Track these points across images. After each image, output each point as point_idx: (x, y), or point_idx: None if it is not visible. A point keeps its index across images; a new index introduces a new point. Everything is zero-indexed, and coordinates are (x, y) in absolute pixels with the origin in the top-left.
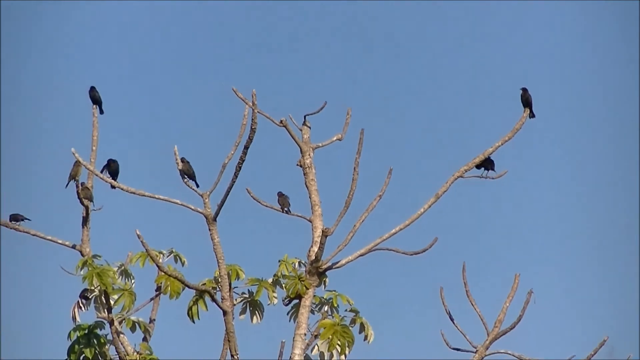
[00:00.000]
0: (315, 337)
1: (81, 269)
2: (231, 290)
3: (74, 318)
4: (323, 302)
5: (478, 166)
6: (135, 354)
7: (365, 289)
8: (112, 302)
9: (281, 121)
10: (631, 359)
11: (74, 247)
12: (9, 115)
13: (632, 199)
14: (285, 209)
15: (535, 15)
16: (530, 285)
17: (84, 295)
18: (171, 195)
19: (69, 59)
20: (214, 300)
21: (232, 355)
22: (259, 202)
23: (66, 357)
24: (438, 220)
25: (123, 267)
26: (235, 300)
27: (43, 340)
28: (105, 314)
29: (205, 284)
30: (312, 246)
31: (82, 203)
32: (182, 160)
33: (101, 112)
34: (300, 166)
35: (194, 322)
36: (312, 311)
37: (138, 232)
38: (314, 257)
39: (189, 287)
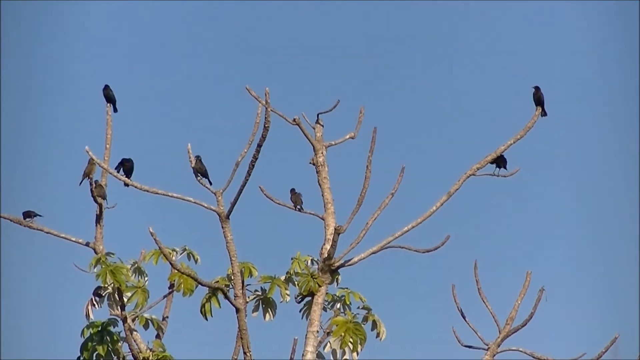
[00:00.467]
0: (328, 334)
1: (95, 267)
2: (244, 287)
3: (87, 315)
4: (335, 300)
5: (490, 164)
6: (148, 351)
7: (378, 287)
8: (125, 300)
9: (294, 119)
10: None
11: (87, 244)
12: (23, 114)
13: None
14: (298, 206)
15: (554, 12)
16: (542, 282)
17: (97, 292)
18: (184, 193)
19: (85, 57)
20: (226, 297)
21: (244, 353)
22: (272, 200)
23: (79, 355)
24: (450, 218)
25: (136, 265)
26: (248, 297)
27: (56, 338)
28: (119, 312)
29: (218, 281)
30: (324, 244)
31: (96, 201)
32: (196, 158)
33: (115, 110)
34: (313, 164)
35: (206, 319)
36: (324, 308)
37: (151, 230)
38: (326, 255)
39: (202, 284)
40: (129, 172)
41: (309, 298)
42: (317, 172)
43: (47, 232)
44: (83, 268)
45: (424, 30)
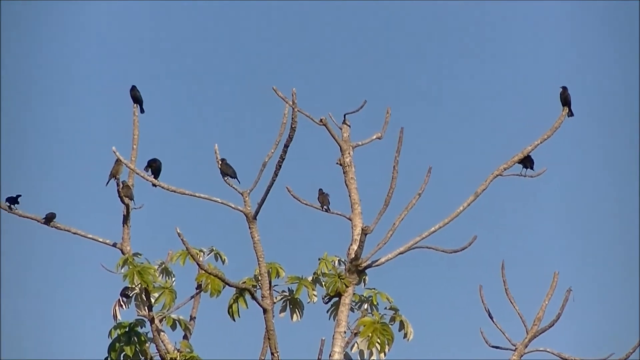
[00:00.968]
0: (355, 335)
1: (122, 267)
2: (271, 288)
3: (114, 316)
4: (363, 300)
5: (518, 164)
6: (175, 352)
7: (405, 287)
8: (152, 300)
9: (321, 120)
10: None
11: (114, 245)
12: (51, 115)
13: None
14: (325, 207)
15: (574, 13)
16: (569, 283)
17: (124, 293)
18: (212, 193)
19: (113, 59)
20: (254, 298)
21: (272, 353)
22: (299, 201)
23: (107, 355)
24: (477, 218)
25: (164, 265)
26: (275, 298)
27: (84, 338)
28: (146, 312)
29: (245, 282)
30: (351, 244)
31: (123, 201)
32: (222, 160)
33: (142, 111)
34: (340, 165)
35: (234, 320)
36: (351, 309)
37: (178, 230)
38: (353, 255)
39: (229, 285)
40: (156, 173)
41: (337, 299)
42: (344, 173)
43: (74, 233)
44: (110, 269)
45: (452, 30)
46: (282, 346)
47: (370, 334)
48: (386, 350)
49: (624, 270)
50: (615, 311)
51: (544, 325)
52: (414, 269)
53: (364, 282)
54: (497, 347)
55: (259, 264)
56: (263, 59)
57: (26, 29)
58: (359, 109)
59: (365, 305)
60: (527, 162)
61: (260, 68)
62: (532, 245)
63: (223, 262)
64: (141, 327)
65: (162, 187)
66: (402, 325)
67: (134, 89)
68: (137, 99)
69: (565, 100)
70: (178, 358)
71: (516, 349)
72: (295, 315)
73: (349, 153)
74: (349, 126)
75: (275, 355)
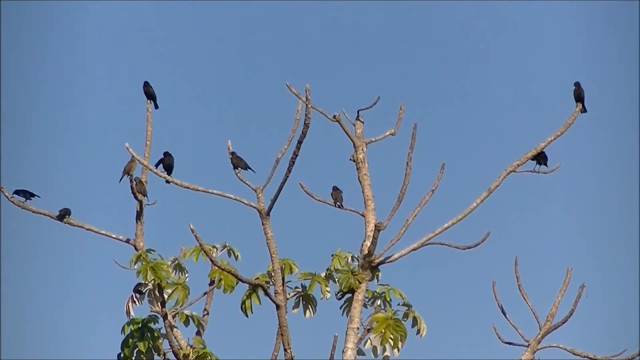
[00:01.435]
0: (368, 331)
1: (135, 263)
2: (284, 284)
3: (128, 312)
4: (376, 296)
5: (531, 160)
6: (188, 347)
7: (418, 283)
8: (165, 296)
9: (334, 116)
10: None
11: (128, 241)
12: (65, 112)
13: None
14: (338, 203)
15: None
16: (582, 279)
17: (137, 289)
18: (225, 190)
19: (126, 55)
20: (267, 294)
21: (285, 349)
22: (312, 197)
23: (120, 351)
24: (490, 214)
25: (177, 262)
26: (288, 294)
27: (97, 334)
28: (159, 308)
29: (258, 278)
30: (364, 240)
31: (136, 198)
32: (233, 154)
33: (156, 107)
34: (353, 161)
35: (247, 316)
36: (364, 305)
37: (192, 227)
38: (366, 252)
39: (242, 281)
40: (169, 169)
41: (350, 295)
42: (357, 169)
43: (88, 229)
44: (123, 265)
45: (464, 27)
46: (295, 342)
47: (383, 330)
48: (399, 346)
49: (638, 266)
50: (628, 307)
51: (557, 322)
52: (427, 265)
53: (377, 278)
54: (510, 343)
55: (272, 260)
56: (277, 55)
57: (39, 27)
58: (373, 105)
59: (378, 302)
60: (540, 158)
61: (274, 64)
62: (545, 242)
63: (236, 258)
64: (154, 323)
65: (176, 184)
66: (415, 322)
67: (147, 85)
68: (150, 94)
69: (579, 97)
70: (191, 354)
71: (529, 345)
72: (308, 311)
73: (362, 149)
74: (362, 122)
75: (288, 351)
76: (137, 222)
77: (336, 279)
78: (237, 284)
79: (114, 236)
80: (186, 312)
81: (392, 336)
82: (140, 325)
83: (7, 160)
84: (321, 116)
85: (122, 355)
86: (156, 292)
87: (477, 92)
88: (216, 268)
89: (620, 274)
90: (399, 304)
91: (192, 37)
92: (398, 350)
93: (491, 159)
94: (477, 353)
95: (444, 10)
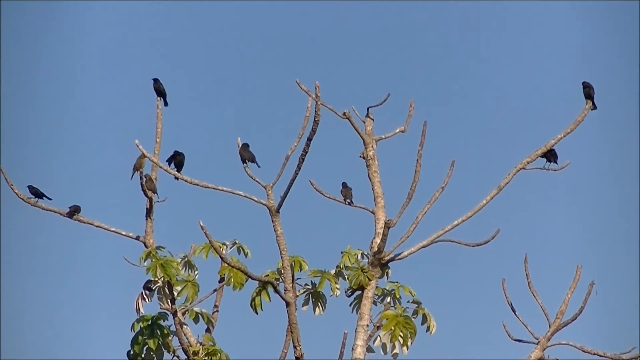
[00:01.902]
0: (378, 328)
1: (145, 260)
2: (294, 281)
3: (137, 309)
4: (385, 294)
5: (541, 158)
6: (198, 345)
7: (428, 280)
8: (175, 293)
9: (344, 113)
10: None
11: (137, 238)
12: (76, 109)
13: None
14: (348, 200)
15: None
16: (591, 276)
17: (147, 286)
18: (235, 187)
19: (136, 53)
20: (276, 291)
21: (294, 347)
22: (322, 194)
23: (130, 348)
24: (500, 211)
25: (186, 259)
26: (298, 291)
27: (107, 331)
28: (169, 305)
29: (268, 275)
30: (374, 237)
31: (146, 195)
32: (243, 145)
33: (165, 104)
34: (363, 158)
35: (257, 313)
36: (374, 302)
37: (201, 224)
38: (376, 249)
39: (252, 278)
40: (179, 166)
41: (359, 292)
42: (367, 166)
43: (97, 226)
44: (133, 262)
45: (474, 24)
46: (304, 339)
47: (392, 327)
48: (409, 343)
49: None
50: (638, 304)
51: (566, 319)
52: (436, 263)
53: (387, 275)
54: (519, 341)
55: (281, 257)
56: (287, 52)
57: (39, 27)
58: (383, 102)
59: (388, 299)
60: (550, 155)
61: (284, 61)
62: (555, 239)
63: (246, 255)
64: (164, 320)
65: (185, 180)
66: (424, 319)
67: (157, 82)
68: (160, 91)
69: (589, 94)
70: (201, 351)
71: (539, 342)
72: (317, 308)
73: (372, 146)
74: (372, 119)
75: (298, 348)
76: (147, 219)
77: (346, 276)
78: (246, 281)
79: (124, 233)
80: (196, 309)
81: (401, 333)
82: (150, 323)
83: (8, 161)
84: (331, 113)
85: (131, 352)
86: (166, 289)
87: (486, 90)
88: (226, 265)
89: (631, 270)
90: (408, 301)
91: (201, 33)
92: (407, 347)
93: (499, 156)
94: (486, 350)
95: (454, 8)
